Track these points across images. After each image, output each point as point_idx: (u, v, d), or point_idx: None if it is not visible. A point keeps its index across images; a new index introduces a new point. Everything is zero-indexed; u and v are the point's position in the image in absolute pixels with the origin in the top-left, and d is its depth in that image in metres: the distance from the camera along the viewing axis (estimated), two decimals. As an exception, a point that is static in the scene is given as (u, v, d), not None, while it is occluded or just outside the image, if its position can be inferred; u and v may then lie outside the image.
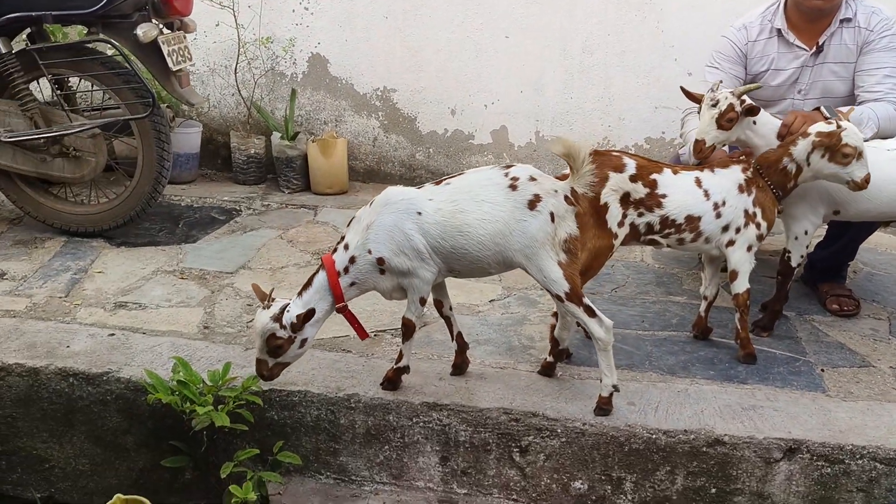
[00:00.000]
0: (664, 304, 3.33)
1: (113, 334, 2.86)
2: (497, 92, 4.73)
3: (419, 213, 2.34)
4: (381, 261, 2.36)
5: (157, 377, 2.41)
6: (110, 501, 2.44)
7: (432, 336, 2.95)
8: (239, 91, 4.75)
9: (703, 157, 2.79)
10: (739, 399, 2.59)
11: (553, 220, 2.32)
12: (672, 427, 2.43)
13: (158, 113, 3.67)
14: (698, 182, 2.69)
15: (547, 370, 2.69)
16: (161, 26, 3.63)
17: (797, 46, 3.28)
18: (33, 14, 3.47)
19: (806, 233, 2.94)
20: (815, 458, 2.39)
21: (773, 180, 2.76)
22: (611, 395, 2.46)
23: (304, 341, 2.36)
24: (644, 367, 2.79)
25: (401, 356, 2.53)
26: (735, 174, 2.74)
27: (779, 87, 3.32)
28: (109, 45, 3.60)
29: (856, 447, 2.37)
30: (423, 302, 2.43)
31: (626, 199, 2.59)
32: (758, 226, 2.74)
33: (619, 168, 2.57)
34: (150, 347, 2.77)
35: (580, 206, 2.39)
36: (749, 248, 2.74)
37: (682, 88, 2.95)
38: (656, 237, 2.69)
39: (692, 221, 2.67)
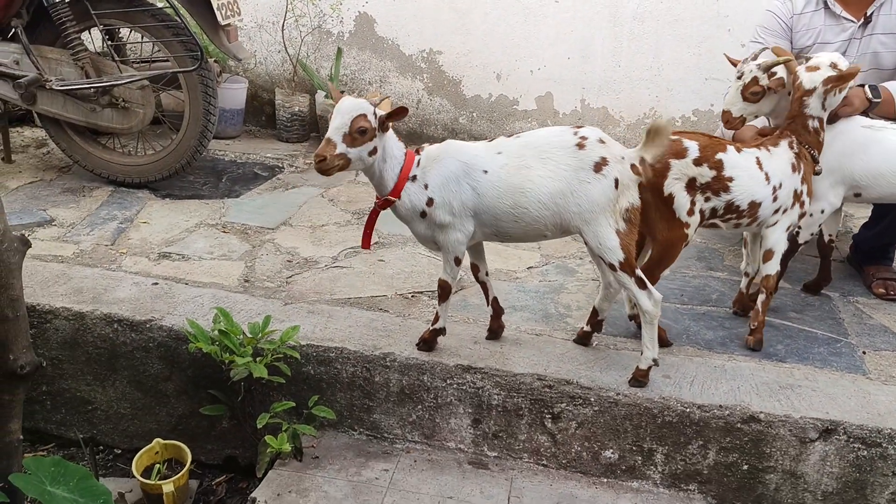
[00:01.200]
0: (704, 278, 3.30)
1: (156, 283, 2.92)
2: (544, 58, 4.67)
3: (485, 172, 2.30)
4: (430, 202, 2.32)
5: (199, 327, 2.46)
6: (150, 445, 2.52)
7: (468, 300, 2.96)
8: (285, 48, 4.76)
9: (732, 128, 2.76)
10: (777, 377, 2.56)
11: (617, 186, 2.27)
12: (707, 402, 2.42)
13: (206, 67, 3.70)
14: (759, 163, 2.58)
15: (583, 339, 2.68)
16: (211, -21, 3.65)
17: (844, 18, 3.19)
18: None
19: (822, 212, 2.87)
20: (851, 439, 2.36)
21: (809, 143, 2.68)
22: (649, 368, 2.44)
23: (374, 150, 2.23)
24: (681, 341, 2.77)
25: (437, 317, 2.54)
26: (786, 152, 2.65)
27: None
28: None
29: (895, 431, 2.34)
30: (457, 262, 2.42)
31: (692, 185, 2.48)
32: (801, 204, 2.67)
33: (681, 154, 2.46)
34: (192, 298, 2.83)
35: (645, 177, 2.32)
36: (788, 229, 2.69)
37: (727, 56, 2.87)
38: (717, 221, 2.61)
39: (754, 207, 2.57)
